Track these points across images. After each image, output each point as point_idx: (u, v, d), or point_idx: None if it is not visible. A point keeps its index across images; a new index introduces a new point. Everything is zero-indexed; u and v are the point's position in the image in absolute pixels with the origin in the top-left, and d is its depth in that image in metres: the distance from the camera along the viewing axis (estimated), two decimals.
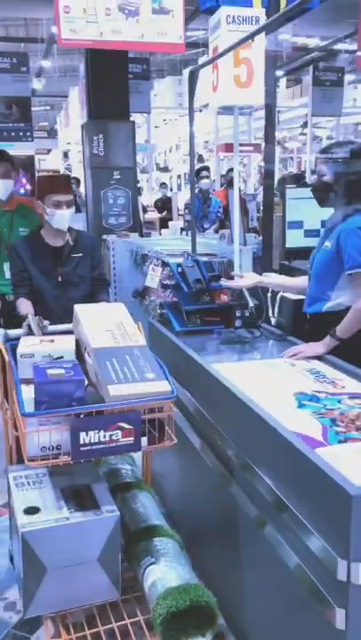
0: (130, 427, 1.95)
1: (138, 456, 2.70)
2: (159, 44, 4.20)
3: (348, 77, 12.23)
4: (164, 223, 9.27)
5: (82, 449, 1.90)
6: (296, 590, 1.58)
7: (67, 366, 2.02)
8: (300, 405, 1.96)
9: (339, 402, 1.97)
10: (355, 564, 1.35)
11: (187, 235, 7.19)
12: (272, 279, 2.93)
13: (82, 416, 1.91)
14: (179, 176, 14.52)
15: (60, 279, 3.02)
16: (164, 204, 10.27)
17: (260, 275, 2.89)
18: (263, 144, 4.27)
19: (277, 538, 1.69)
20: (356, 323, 2.39)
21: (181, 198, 9.99)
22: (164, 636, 1.81)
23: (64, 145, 16.96)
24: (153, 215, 9.91)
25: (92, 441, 1.91)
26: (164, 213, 9.71)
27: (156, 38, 4.08)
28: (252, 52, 2.81)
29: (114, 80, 7.35)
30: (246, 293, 2.71)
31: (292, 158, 19.06)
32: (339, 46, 13.12)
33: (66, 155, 18.00)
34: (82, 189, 8.49)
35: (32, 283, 3.00)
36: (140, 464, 2.67)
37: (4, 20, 14.79)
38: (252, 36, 2.55)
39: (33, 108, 12.21)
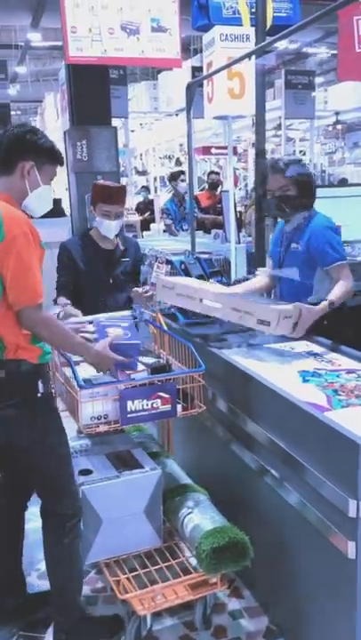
0: (168, 395, 2.27)
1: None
2: (158, 60, 4.55)
3: (317, 80, 12.65)
4: (146, 225, 9.57)
5: (129, 415, 2.21)
6: (311, 530, 1.89)
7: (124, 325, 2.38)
8: (305, 380, 2.26)
9: (338, 376, 2.28)
10: None
11: (169, 236, 7.57)
12: (241, 286, 3.11)
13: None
14: (155, 178, 14.81)
15: (111, 281, 3.14)
16: (145, 207, 10.56)
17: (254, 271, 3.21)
18: (254, 150, 4.60)
19: (292, 491, 2.01)
20: (345, 295, 2.78)
21: (162, 201, 10.29)
22: (208, 568, 2.13)
23: None
24: (133, 218, 10.21)
25: (137, 408, 2.22)
26: (147, 215, 10.00)
27: (155, 54, 4.43)
28: (245, 67, 3.13)
29: (96, 86, 7.57)
30: None
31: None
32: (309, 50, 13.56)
33: None
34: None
35: (79, 282, 3.08)
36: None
37: None
38: (248, 56, 2.88)
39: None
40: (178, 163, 13.50)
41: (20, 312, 1.95)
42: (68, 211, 9.18)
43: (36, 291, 1.95)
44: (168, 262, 3.25)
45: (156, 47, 4.31)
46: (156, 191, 13.66)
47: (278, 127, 13.52)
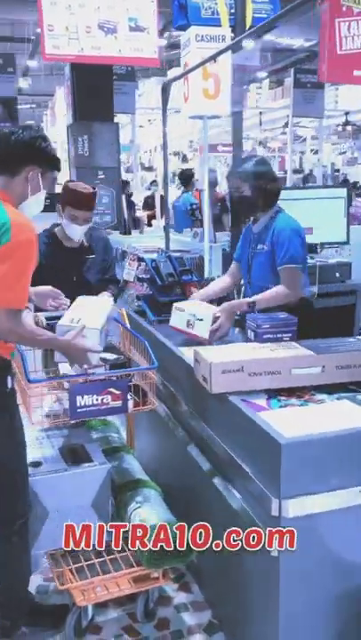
0: (118, 392, 2.30)
1: (122, 427, 3.08)
2: (136, 59, 4.59)
3: None
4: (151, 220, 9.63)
5: (78, 410, 2.25)
6: (245, 529, 1.91)
7: None
8: None
9: None
10: (284, 501, 1.70)
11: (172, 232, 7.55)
12: (199, 293, 3.08)
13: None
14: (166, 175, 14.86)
15: (74, 279, 3.13)
16: (153, 202, 10.60)
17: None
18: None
19: (228, 487, 2.05)
20: (272, 301, 2.73)
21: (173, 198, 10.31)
22: (149, 563, 2.17)
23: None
24: (141, 213, 10.29)
25: (87, 403, 2.26)
26: (155, 210, 10.05)
27: (132, 53, 4.47)
28: (219, 67, 3.15)
29: (98, 82, 7.59)
30: None
31: (274, 157, 19.46)
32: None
33: None
34: None
35: (43, 279, 2.94)
36: (124, 435, 3.05)
37: None
38: (215, 57, 2.90)
39: (19, 107, 12.47)
40: (185, 160, 13.52)
41: None
42: None
43: (23, 297, 2.00)
44: (140, 259, 3.28)
45: (134, 46, 4.35)
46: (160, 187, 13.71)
47: (286, 125, 13.49)
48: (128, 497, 2.48)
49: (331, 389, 2.13)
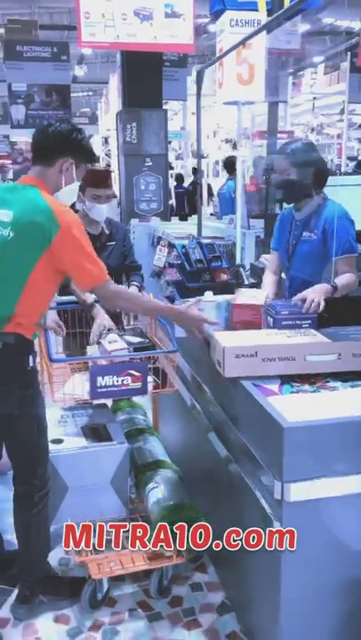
0: (138, 374, 2.36)
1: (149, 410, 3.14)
2: (171, 45, 4.58)
3: None
4: (192, 209, 9.62)
5: (99, 390, 2.32)
6: (256, 513, 1.91)
7: None
8: None
9: None
10: (287, 485, 1.71)
11: (216, 218, 7.54)
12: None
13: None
14: (217, 162, 14.77)
15: None
16: (195, 189, 10.58)
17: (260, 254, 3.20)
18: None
19: (239, 470, 2.05)
20: (348, 288, 2.66)
21: (215, 185, 10.28)
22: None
23: (104, 131, 17.36)
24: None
25: (107, 384, 2.33)
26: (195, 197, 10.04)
27: (168, 40, 4.47)
28: (253, 52, 3.12)
29: (148, 69, 7.61)
30: (243, 273, 3.03)
31: (333, 144, 19.02)
32: None
33: (106, 140, 18.41)
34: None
35: None
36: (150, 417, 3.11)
37: (50, 8, 15.22)
38: (246, 40, 2.86)
39: (74, 94, 12.62)
40: (235, 147, 13.40)
41: (93, 291, 2.23)
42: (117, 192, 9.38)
43: (101, 270, 2.15)
44: (171, 245, 3.31)
45: (170, 33, 4.34)
46: (216, 175, 13.66)
47: (342, 112, 13.19)
48: (147, 477, 2.54)
49: (347, 377, 2.11)
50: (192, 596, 2.42)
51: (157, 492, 2.43)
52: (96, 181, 3.05)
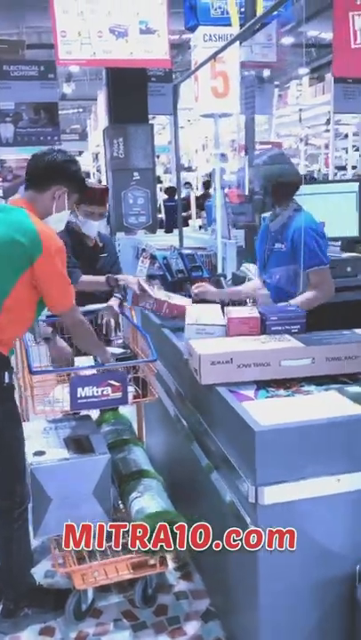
0: (118, 384, 2.38)
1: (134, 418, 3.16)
2: (147, 61, 4.68)
3: None
4: (185, 221, 9.68)
5: (79, 401, 2.34)
6: (233, 519, 1.94)
7: None
8: None
9: None
10: (260, 488, 1.73)
11: (205, 231, 7.60)
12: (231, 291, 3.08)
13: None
14: (209, 175, 14.89)
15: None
16: (188, 203, 10.67)
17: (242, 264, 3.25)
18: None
19: (218, 476, 2.09)
20: (309, 305, 2.68)
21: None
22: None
23: (94, 147, 17.50)
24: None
25: (87, 395, 2.35)
26: (189, 212, 10.12)
27: (144, 55, 4.58)
28: (227, 66, 3.19)
29: (133, 85, 7.69)
30: (224, 282, 3.06)
31: (320, 154, 19.22)
32: None
33: (97, 156, 18.55)
34: None
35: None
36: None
37: (38, 27, 15.40)
38: (218, 53, 2.92)
39: (64, 112, 12.73)
40: (224, 158, 13.52)
41: (60, 315, 2.34)
42: None
43: (72, 298, 2.26)
44: (152, 257, 3.35)
45: (145, 49, 4.43)
46: (198, 188, 13.75)
47: (328, 122, 13.34)
48: (130, 486, 2.55)
49: (321, 381, 2.14)
50: (177, 604, 2.43)
51: (140, 500, 2.44)
52: (91, 198, 3.08)
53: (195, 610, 2.39)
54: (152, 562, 2.35)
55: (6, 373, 2.21)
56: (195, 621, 2.33)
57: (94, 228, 3.20)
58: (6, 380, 2.20)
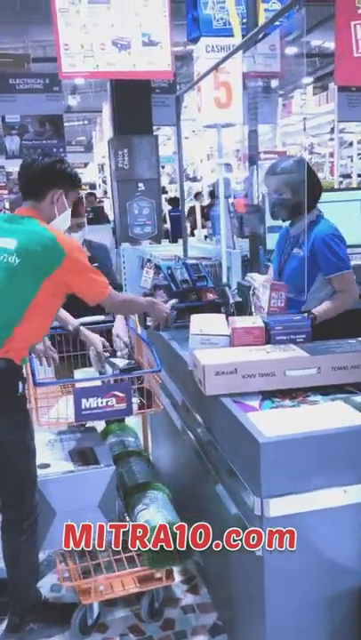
0: (122, 394, 2.37)
1: (140, 430, 3.14)
2: (150, 73, 4.72)
3: None
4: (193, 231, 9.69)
5: (84, 412, 2.33)
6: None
7: None
8: None
9: None
10: (266, 500, 1.70)
11: (210, 241, 7.59)
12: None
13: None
14: (215, 185, 14.92)
15: None
16: (195, 213, 10.67)
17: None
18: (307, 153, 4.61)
19: (223, 488, 2.06)
20: (332, 312, 2.71)
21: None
22: (151, 562, 2.22)
23: (100, 158, 17.60)
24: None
25: (92, 406, 2.34)
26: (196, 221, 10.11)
27: (146, 67, 4.61)
28: (230, 76, 3.20)
29: (137, 97, 7.77)
30: (229, 292, 3.04)
31: (325, 162, 19.22)
32: None
33: (102, 167, 18.65)
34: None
35: None
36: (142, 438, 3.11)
37: (43, 41, 15.55)
38: (220, 63, 2.93)
39: (69, 124, 12.81)
40: (229, 169, 13.55)
41: (103, 304, 2.38)
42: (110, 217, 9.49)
43: (105, 280, 2.32)
44: (157, 267, 3.34)
45: (148, 60, 4.46)
46: (211, 197, 13.76)
47: (333, 130, 13.34)
48: (136, 499, 2.53)
49: (328, 391, 2.12)
50: (184, 618, 2.40)
51: (146, 513, 2.42)
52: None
53: (202, 624, 2.36)
54: (158, 575, 2.32)
55: (20, 383, 2.21)
56: (202, 636, 2.30)
57: (75, 239, 3.17)
58: (20, 390, 2.20)
